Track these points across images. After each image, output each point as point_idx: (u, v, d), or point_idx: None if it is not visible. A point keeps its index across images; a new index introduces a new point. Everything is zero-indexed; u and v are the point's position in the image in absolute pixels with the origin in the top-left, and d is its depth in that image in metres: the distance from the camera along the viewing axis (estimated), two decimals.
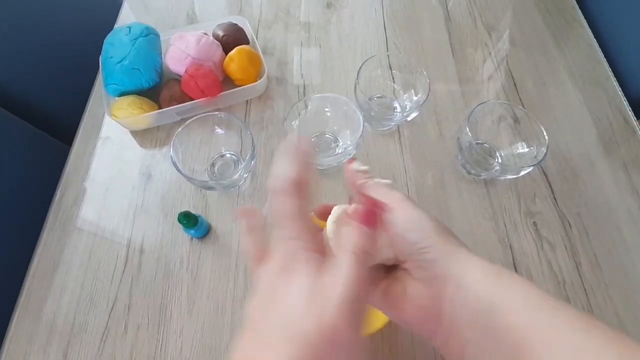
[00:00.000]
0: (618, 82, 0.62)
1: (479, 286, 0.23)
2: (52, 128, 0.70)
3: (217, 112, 0.51)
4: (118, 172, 0.56)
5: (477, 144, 0.54)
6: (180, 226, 0.47)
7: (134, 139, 0.58)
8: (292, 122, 0.52)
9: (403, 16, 0.70)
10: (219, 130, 0.53)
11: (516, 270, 0.48)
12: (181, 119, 0.58)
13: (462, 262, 0.24)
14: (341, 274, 0.21)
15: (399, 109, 0.59)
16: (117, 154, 0.57)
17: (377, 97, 0.60)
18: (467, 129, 0.48)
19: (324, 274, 0.22)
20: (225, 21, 0.63)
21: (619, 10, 0.68)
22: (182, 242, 0.50)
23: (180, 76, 0.58)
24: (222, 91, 0.57)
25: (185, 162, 0.50)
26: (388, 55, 0.59)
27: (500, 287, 0.22)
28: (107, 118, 0.59)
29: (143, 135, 0.58)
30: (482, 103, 0.51)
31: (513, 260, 0.49)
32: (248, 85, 0.58)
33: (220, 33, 0.61)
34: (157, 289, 0.47)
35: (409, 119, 0.54)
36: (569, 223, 0.51)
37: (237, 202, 0.53)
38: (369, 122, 0.57)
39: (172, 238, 0.50)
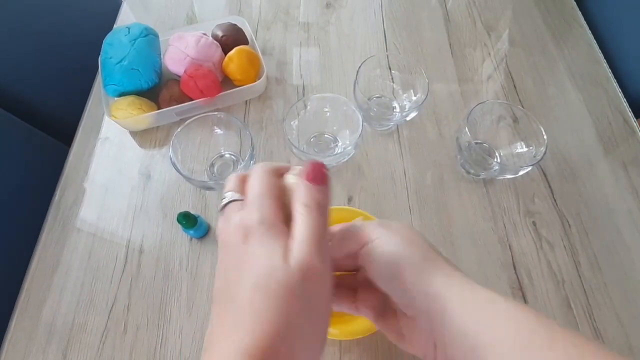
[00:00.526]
0: (617, 82, 0.62)
1: (463, 321, 0.22)
2: (52, 128, 0.70)
3: (216, 113, 0.51)
4: (117, 172, 0.56)
5: (476, 143, 0.54)
6: (179, 226, 0.47)
7: (133, 140, 0.58)
8: (292, 122, 0.52)
9: (402, 16, 0.70)
10: (218, 131, 0.53)
11: (515, 270, 0.48)
12: (180, 119, 0.58)
13: (442, 292, 0.24)
14: (299, 228, 0.22)
15: (398, 109, 0.59)
16: (116, 154, 0.57)
17: (376, 97, 0.60)
18: (466, 128, 0.48)
19: (289, 237, 0.23)
20: (225, 21, 0.63)
21: (619, 11, 0.68)
22: (182, 242, 0.50)
23: (179, 76, 0.58)
24: (221, 91, 0.57)
25: (184, 163, 0.50)
26: (387, 55, 0.59)
27: (485, 324, 0.22)
28: (106, 118, 0.59)
29: (142, 136, 0.58)
30: (481, 103, 0.51)
31: (512, 260, 0.49)
32: (247, 85, 0.58)
33: (220, 33, 0.61)
34: (156, 289, 0.47)
35: (408, 118, 0.54)
36: (569, 223, 0.51)
37: None
38: (368, 122, 0.57)
39: (171, 238, 0.50)
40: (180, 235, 0.50)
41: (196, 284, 0.47)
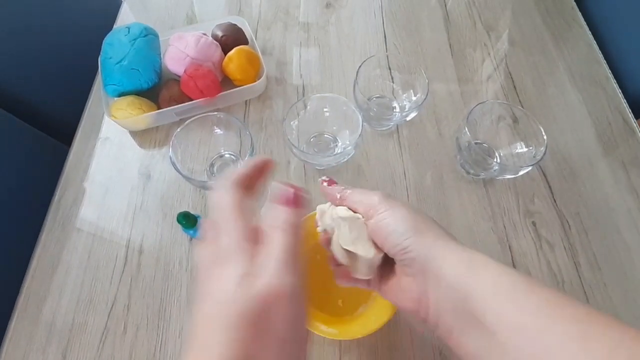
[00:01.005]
0: (617, 82, 0.62)
1: (456, 277, 0.25)
2: (52, 128, 0.70)
3: (216, 113, 0.51)
4: (117, 172, 0.56)
5: (476, 143, 0.54)
6: (179, 226, 0.47)
7: (133, 140, 0.58)
8: (291, 122, 0.52)
9: (402, 16, 0.70)
10: (218, 131, 0.53)
11: None
12: (180, 119, 0.58)
13: (438, 255, 0.26)
14: (272, 247, 0.22)
15: (398, 109, 0.59)
16: (116, 154, 0.57)
17: (376, 97, 0.60)
18: (466, 128, 0.48)
19: (256, 257, 0.22)
20: (225, 21, 0.63)
21: (618, 11, 0.68)
22: (182, 242, 0.50)
23: (179, 76, 0.58)
24: (221, 91, 0.57)
25: (184, 162, 0.50)
26: (387, 56, 0.59)
27: (473, 276, 0.24)
28: (106, 118, 0.59)
29: (142, 136, 0.58)
30: (481, 103, 0.51)
31: (512, 260, 0.49)
32: (247, 85, 0.58)
33: (220, 33, 0.61)
34: (156, 289, 0.47)
35: (408, 119, 0.54)
36: (568, 223, 0.51)
37: None
38: (368, 122, 0.57)
39: (171, 238, 0.50)
40: (180, 235, 0.50)
41: (196, 284, 0.47)
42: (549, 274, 0.48)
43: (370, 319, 0.41)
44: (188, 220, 0.46)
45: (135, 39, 0.56)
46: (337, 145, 0.55)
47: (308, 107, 0.53)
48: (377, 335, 0.43)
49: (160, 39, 0.60)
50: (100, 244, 0.50)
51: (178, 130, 0.48)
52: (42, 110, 0.70)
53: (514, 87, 0.62)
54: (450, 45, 0.67)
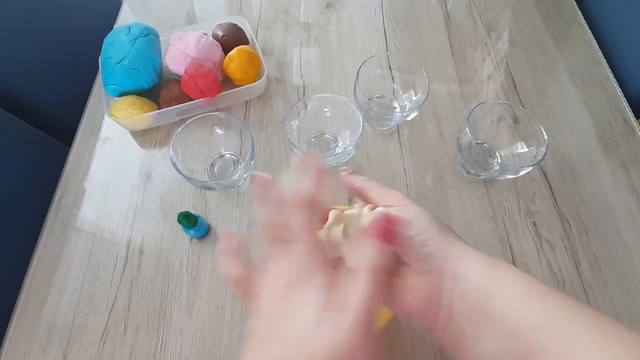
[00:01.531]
0: (617, 82, 0.62)
1: (476, 277, 0.24)
2: (52, 128, 0.70)
3: (216, 113, 0.51)
4: (118, 172, 0.56)
5: (477, 144, 0.54)
6: (179, 226, 0.47)
7: (133, 139, 0.58)
8: (292, 122, 0.52)
9: (402, 16, 0.70)
10: (218, 131, 0.53)
11: None
12: (181, 119, 0.58)
13: (459, 254, 0.25)
14: (357, 289, 0.20)
15: (398, 109, 0.59)
16: (116, 154, 0.57)
17: (376, 97, 0.60)
18: (467, 129, 0.48)
19: (336, 288, 0.21)
20: (225, 21, 0.63)
21: (618, 11, 0.68)
22: (182, 242, 0.50)
23: (179, 76, 0.58)
24: (221, 91, 0.57)
25: (184, 163, 0.50)
26: (387, 56, 0.59)
27: (496, 277, 0.24)
28: (106, 118, 0.59)
29: (143, 136, 0.58)
30: (481, 103, 0.51)
31: (513, 260, 0.49)
32: (247, 85, 0.58)
33: (220, 33, 0.61)
34: (156, 289, 0.47)
35: (408, 119, 0.54)
36: (569, 223, 0.51)
37: (237, 202, 0.53)
38: (369, 122, 0.57)
39: (171, 238, 0.50)
40: (181, 235, 0.50)
41: (196, 284, 0.47)
42: (549, 274, 0.48)
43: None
44: (188, 221, 0.46)
45: (135, 39, 0.56)
46: (337, 145, 0.55)
47: (308, 107, 0.53)
48: None
49: (161, 39, 0.60)
50: (101, 244, 0.50)
51: (178, 130, 0.48)
52: (42, 110, 0.70)
53: (515, 87, 0.62)
54: (450, 45, 0.67)
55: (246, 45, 0.60)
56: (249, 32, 0.63)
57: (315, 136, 0.56)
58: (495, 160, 0.54)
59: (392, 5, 0.72)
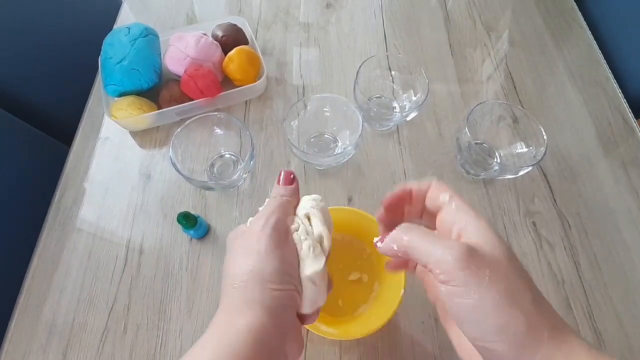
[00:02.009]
0: (617, 82, 0.62)
1: None
2: (52, 128, 0.70)
3: (216, 113, 0.51)
4: (117, 172, 0.56)
5: (476, 144, 0.54)
6: (179, 226, 0.47)
7: (133, 140, 0.58)
8: (292, 123, 0.52)
9: (402, 16, 0.71)
10: (218, 131, 0.53)
11: None
12: (180, 120, 0.58)
13: None
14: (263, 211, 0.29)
15: (398, 109, 0.59)
16: (116, 154, 0.57)
17: (376, 97, 0.60)
18: (466, 129, 0.48)
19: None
20: (225, 21, 0.63)
21: (618, 11, 0.68)
22: (182, 242, 0.50)
23: (179, 77, 0.58)
24: (221, 91, 0.57)
25: (184, 163, 0.50)
26: (387, 56, 0.59)
27: None
28: (106, 118, 0.59)
29: (142, 136, 0.58)
30: (481, 103, 0.51)
31: None
32: (247, 85, 0.58)
33: (220, 33, 0.61)
34: (156, 289, 0.47)
35: (408, 119, 0.54)
36: (568, 223, 0.51)
37: (237, 202, 0.53)
38: (368, 122, 0.57)
39: (171, 238, 0.50)
40: (180, 235, 0.50)
41: (196, 284, 0.48)
42: (549, 274, 0.48)
43: (371, 319, 0.41)
44: (188, 221, 0.46)
45: (135, 39, 0.56)
46: (337, 145, 0.55)
47: (308, 107, 0.53)
48: (377, 335, 0.43)
49: (161, 39, 0.60)
50: (101, 244, 0.50)
51: (178, 130, 0.48)
52: (42, 110, 0.70)
53: (514, 87, 0.62)
54: (450, 45, 0.67)
55: (246, 46, 0.60)
56: (248, 32, 0.63)
57: (315, 136, 0.56)
58: (495, 160, 0.54)
59: (391, 6, 0.72)
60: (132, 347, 0.44)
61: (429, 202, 0.28)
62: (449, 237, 0.24)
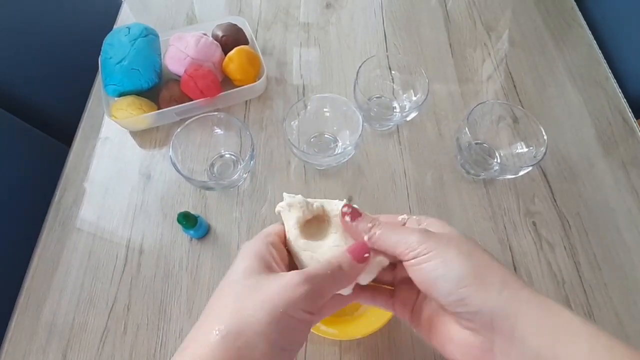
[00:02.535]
0: (617, 82, 0.62)
1: (536, 344, 0.20)
2: (52, 128, 0.70)
3: (216, 113, 0.51)
4: (117, 172, 0.56)
5: (477, 144, 0.54)
6: (179, 226, 0.47)
7: (133, 140, 0.58)
8: (292, 123, 0.52)
9: (402, 16, 0.71)
10: (218, 131, 0.53)
11: (515, 271, 0.48)
12: (180, 120, 0.58)
13: (510, 310, 0.21)
14: (278, 282, 0.24)
15: (398, 109, 0.59)
16: (116, 154, 0.57)
17: (376, 97, 0.60)
18: (467, 129, 0.49)
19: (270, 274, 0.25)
20: (225, 22, 0.63)
21: (618, 11, 0.68)
22: (182, 242, 0.50)
23: (179, 77, 0.58)
24: (221, 91, 0.57)
25: (184, 163, 0.50)
26: (387, 56, 0.59)
27: (562, 346, 0.20)
28: (106, 118, 0.59)
29: (142, 136, 0.58)
30: (481, 103, 0.51)
31: (512, 260, 0.49)
32: (247, 85, 0.58)
33: (220, 33, 0.61)
34: (156, 289, 0.47)
35: (408, 119, 0.54)
36: (568, 223, 0.51)
37: (237, 202, 0.53)
38: (368, 122, 0.57)
39: (171, 238, 0.50)
40: (180, 236, 0.50)
41: (196, 284, 0.48)
42: (549, 274, 0.48)
43: (371, 319, 0.41)
44: (188, 221, 0.46)
45: (135, 39, 0.56)
46: (337, 146, 0.55)
47: (308, 107, 0.53)
48: (377, 335, 0.43)
49: (161, 39, 0.60)
50: (101, 244, 0.50)
51: (178, 130, 0.48)
52: (42, 110, 0.70)
53: (514, 87, 0.62)
54: (450, 45, 0.67)
55: (246, 46, 0.60)
56: (248, 32, 0.63)
57: (315, 136, 0.56)
58: (495, 160, 0.54)
59: (391, 6, 0.72)
60: (132, 347, 0.44)
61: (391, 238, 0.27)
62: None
